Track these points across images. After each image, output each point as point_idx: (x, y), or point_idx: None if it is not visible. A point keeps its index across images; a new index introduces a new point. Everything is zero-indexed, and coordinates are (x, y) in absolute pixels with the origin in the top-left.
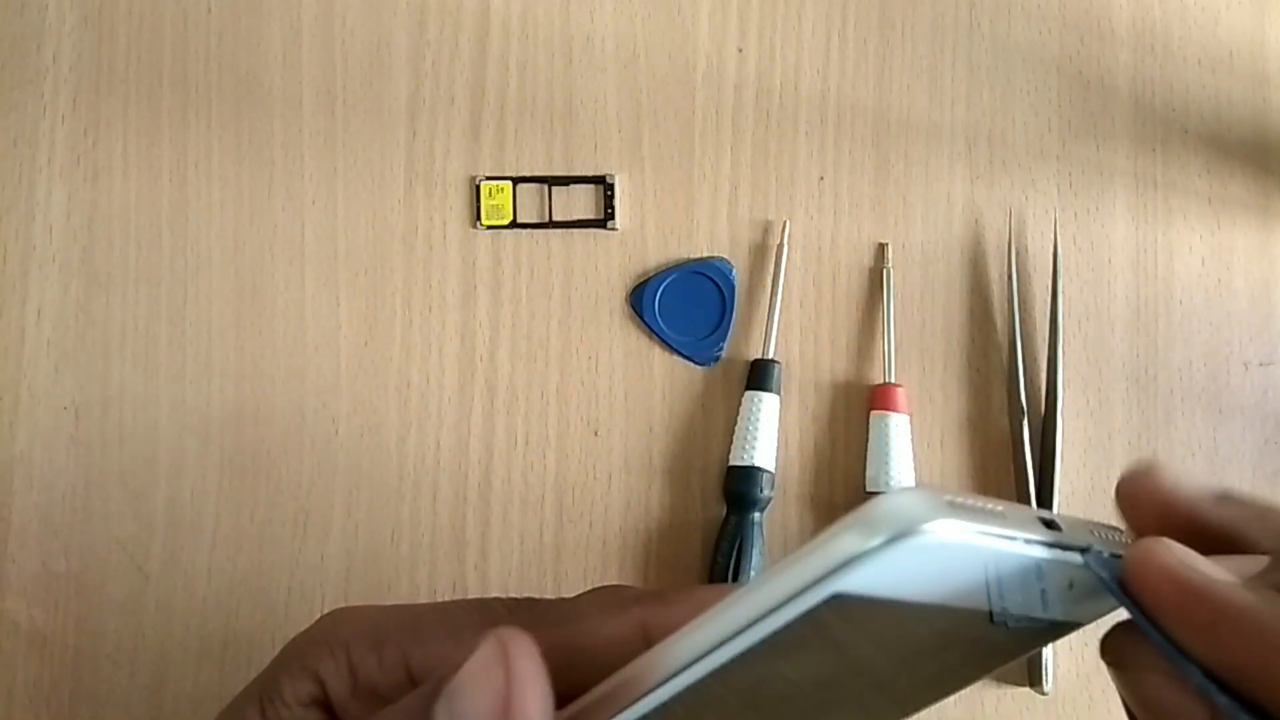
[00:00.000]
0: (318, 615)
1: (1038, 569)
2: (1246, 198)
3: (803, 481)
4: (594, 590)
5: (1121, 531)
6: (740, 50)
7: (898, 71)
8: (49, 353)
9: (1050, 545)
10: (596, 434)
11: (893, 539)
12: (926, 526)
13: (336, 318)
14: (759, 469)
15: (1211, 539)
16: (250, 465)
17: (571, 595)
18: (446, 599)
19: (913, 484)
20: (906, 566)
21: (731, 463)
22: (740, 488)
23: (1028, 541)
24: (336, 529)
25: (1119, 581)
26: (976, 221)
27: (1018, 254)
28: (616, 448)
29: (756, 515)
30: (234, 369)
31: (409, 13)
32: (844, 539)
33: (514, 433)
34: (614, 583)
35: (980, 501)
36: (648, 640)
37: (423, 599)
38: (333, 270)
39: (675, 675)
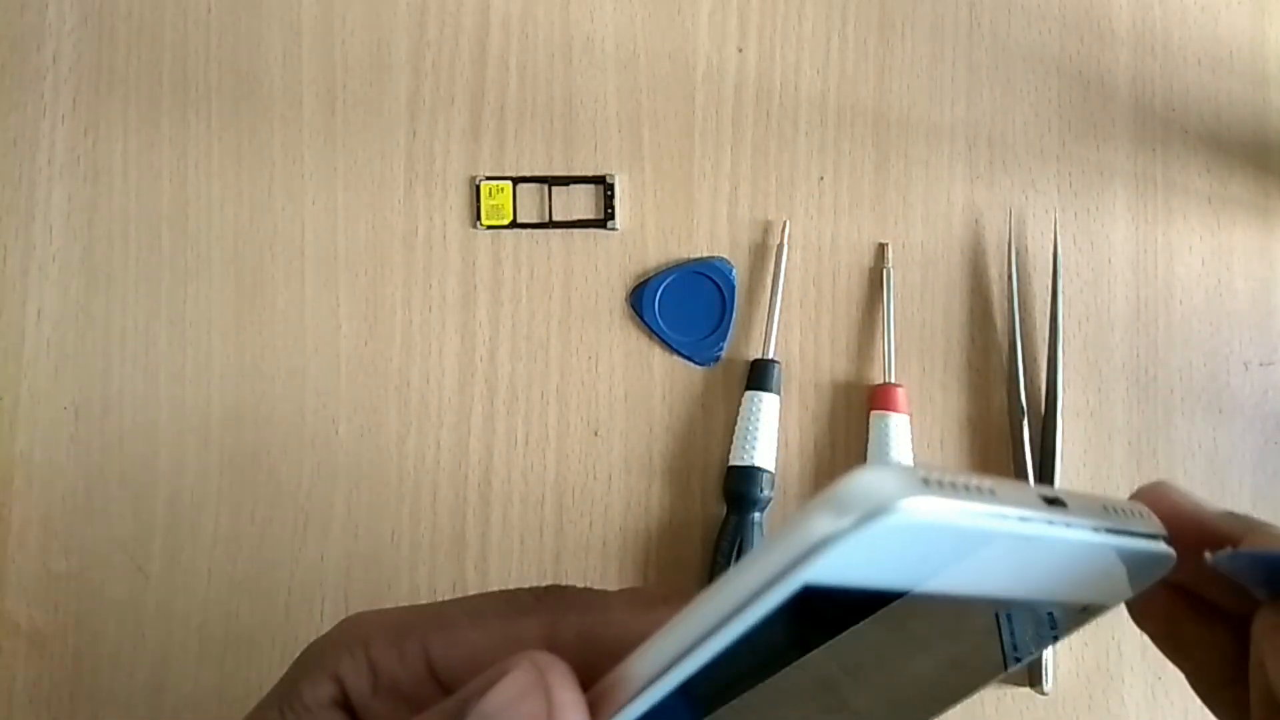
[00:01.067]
0: (318, 615)
1: (1045, 552)
2: (1246, 198)
3: (803, 481)
4: (628, 589)
5: (1142, 511)
6: (740, 50)
7: (898, 71)
8: (49, 353)
9: (1055, 524)
10: (596, 434)
11: (862, 520)
12: (900, 505)
13: (336, 318)
14: (759, 469)
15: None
16: (250, 465)
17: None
18: (449, 598)
19: (889, 461)
20: (884, 551)
21: (731, 463)
22: (740, 488)
23: (1024, 520)
24: (336, 529)
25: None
26: (976, 221)
27: (1018, 254)
28: (616, 448)
29: (756, 515)
30: (234, 369)
31: (409, 13)
32: (810, 521)
33: (514, 433)
34: (633, 585)
35: (966, 479)
36: None
37: (423, 599)
38: (333, 270)
39: (653, 681)
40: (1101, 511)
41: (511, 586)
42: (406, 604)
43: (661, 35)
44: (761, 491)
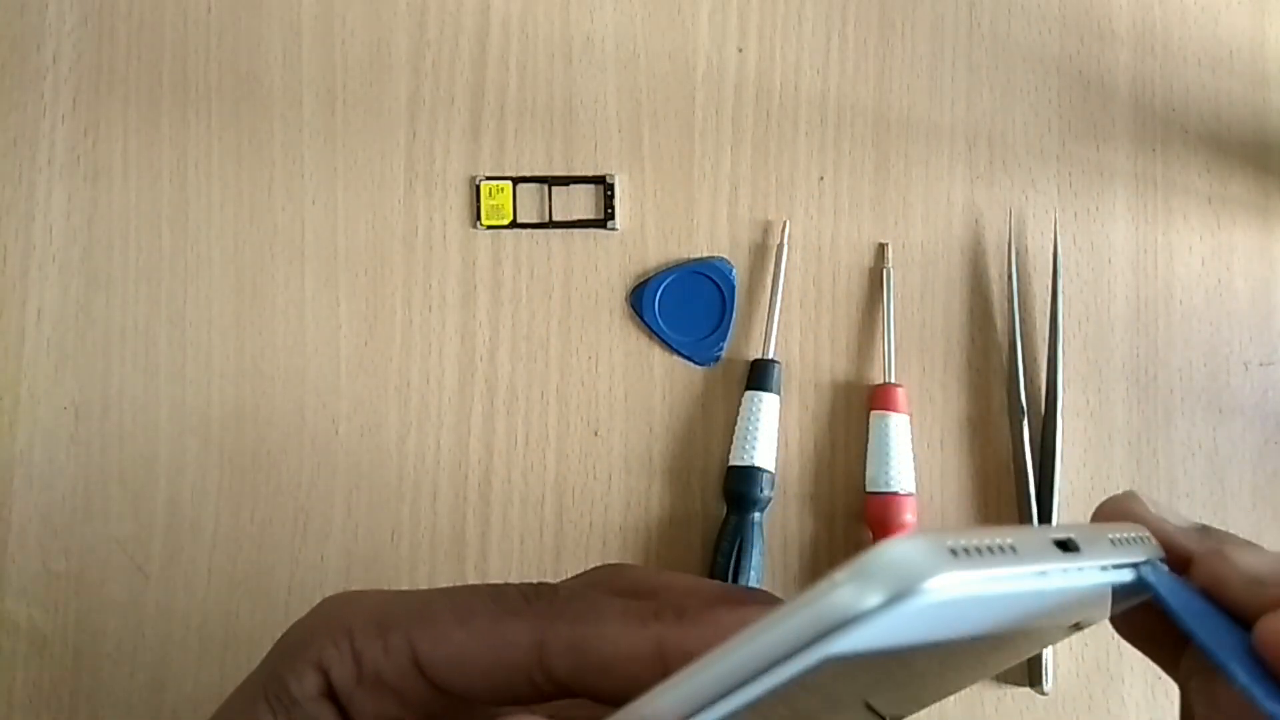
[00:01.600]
0: None
1: (1057, 594)
2: (1246, 198)
3: (803, 481)
4: (604, 570)
5: (1144, 536)
6: (740, 50)
7: (898, 71)
8: (49, 353)
9: (1070, 570)
10: (596, 434)
11: (891, 600)
12: (928, 584)
13: (336, 318)
14: (759, 469)
15: (1187, 568)
16: (250, 465)
17: (579, 572)
18: (433, 588)
19: (914, 532)
20: (909, 621)
21: (731, 463)
22: (740, 488)
23: (1042, 574)
24: (336, 529)
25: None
26: (976, 221)
27: (1018, 254)
28: (616, 448)
29: (756, 515)
30: (234, 369)
31: (409, 13)
32: (836, 597)
33: (514, 433)
34: (621, 561)
35: (988, 537)
36: (662, 658)
37: None
38: (333, 270)
39: None
40: (1109, 547)
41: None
42: (403, 589)
43: (661, 35)
44: (761, 491)
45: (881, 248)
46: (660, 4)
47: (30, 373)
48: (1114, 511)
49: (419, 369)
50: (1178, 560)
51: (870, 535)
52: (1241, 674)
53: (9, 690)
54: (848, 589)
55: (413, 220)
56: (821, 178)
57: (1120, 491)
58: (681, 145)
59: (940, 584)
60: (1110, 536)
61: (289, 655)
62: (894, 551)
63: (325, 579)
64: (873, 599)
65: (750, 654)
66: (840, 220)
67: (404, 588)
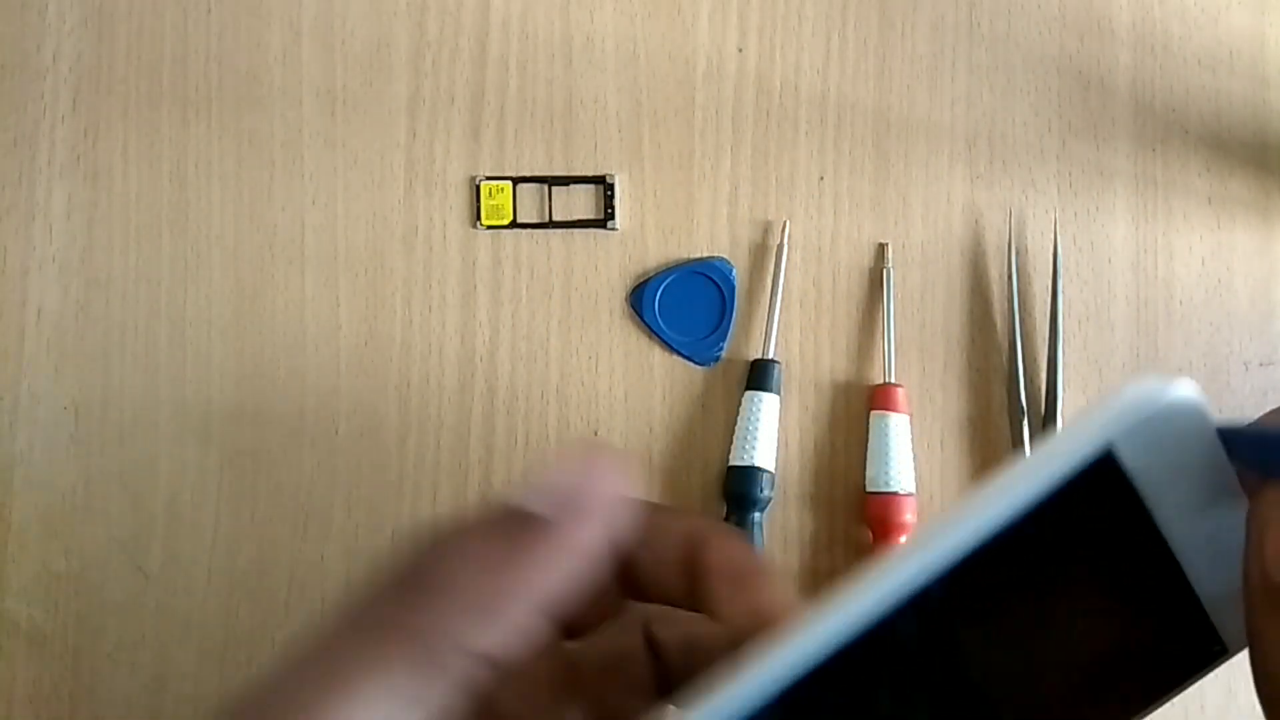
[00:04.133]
0: (318, 615)
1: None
2: (1246, 198)
3: (803, 481)
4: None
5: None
6: (740, 50)
7: (898, 71)
8: (49, 353)
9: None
10: (596, 434)
11: (1172, 401)
12: (1198, 401)
13: (336, 318)
14: (759, 469)
15: None
16: (250, 465)
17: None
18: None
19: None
20: (1165, 440)
21: (731, 463)
22: (740, 488)
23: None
24: (336, 529)
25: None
26: (976, 221)
27: (1018, 254)
28: (616, 448)
29: (756, 515)
30: (234, 369)
31: (409, 13)
32: (1125, 395)
33: (514, 433)
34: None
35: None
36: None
37: None
38: (333, 270)
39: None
40: None
41: None
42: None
43: (661, 35)
44: (761, 491)
45: (881, 248)
46: (660, 4)
47: (30, 373)
48: None
49: (419, 369)
50: None
51: (870, 535)
52: None
53: (9, 690)
54: (1134, 391)
55: (413, 220)
56: (821, 178)
57: None
58: (681, 145)
59: (1191, 390)
60: None
61: None
62: (1165, 379)
63: (325, 579)
64: (1156, 394)
65: (1045, 454)
66: (840, 220)
67: None
